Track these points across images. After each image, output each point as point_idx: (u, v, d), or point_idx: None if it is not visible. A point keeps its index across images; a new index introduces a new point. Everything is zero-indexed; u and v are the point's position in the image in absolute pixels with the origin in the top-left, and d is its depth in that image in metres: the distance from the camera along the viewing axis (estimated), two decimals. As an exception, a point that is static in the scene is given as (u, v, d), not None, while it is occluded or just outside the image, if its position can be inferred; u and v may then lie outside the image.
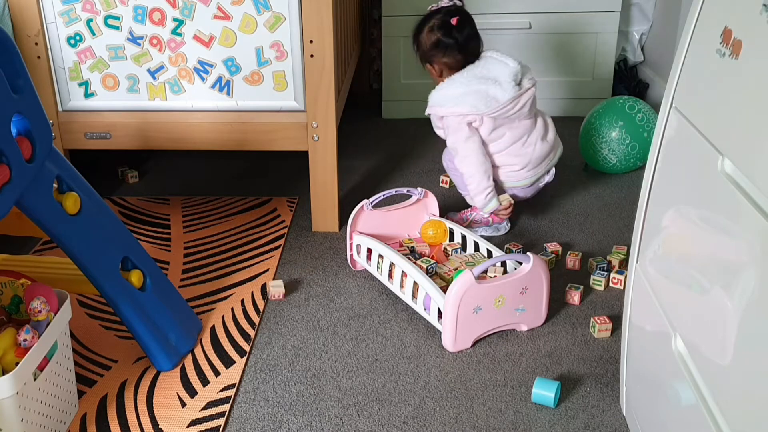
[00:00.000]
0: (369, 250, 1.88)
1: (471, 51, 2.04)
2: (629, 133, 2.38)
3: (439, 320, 1.66)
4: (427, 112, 2.08)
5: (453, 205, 2.27)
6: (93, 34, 1.98)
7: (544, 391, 1.48)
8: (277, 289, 1.84)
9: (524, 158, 2.08)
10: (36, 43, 1.98)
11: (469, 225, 2.12)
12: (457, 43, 2.02)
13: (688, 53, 1.12)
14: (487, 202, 2.04)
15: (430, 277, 1.71)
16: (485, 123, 2.00)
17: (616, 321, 1.70)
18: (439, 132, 2.12)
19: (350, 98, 2.61)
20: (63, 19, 1.96)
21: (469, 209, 2.15)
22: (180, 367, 1.61)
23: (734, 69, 0.96)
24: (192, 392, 1.54)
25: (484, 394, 1.53)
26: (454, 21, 2.01)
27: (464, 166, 2.05)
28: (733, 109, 0.96)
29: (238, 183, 2.47)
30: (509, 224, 2.15)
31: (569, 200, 2.33)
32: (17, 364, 1.23)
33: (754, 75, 0.91)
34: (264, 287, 1.88)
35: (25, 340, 1.28)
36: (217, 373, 1.59)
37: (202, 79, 2.01)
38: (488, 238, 2.03)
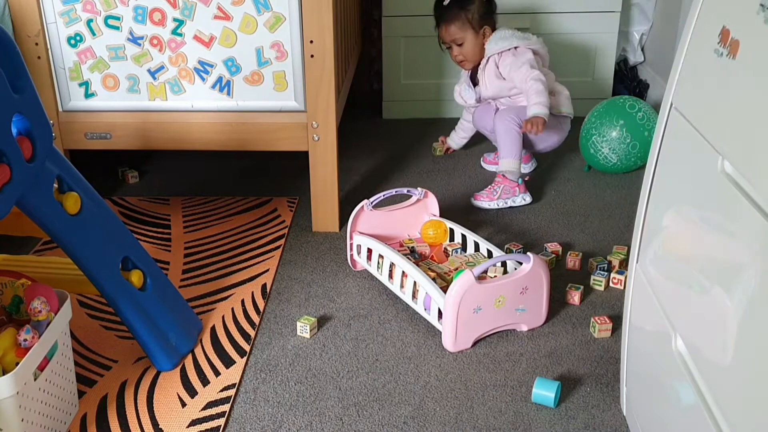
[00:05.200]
0: (369, 250, 1.88)
1: None
2: (630, 132, 2.38)
3: (439, 320, 1.66)
4: (498, 50, 2.31)
5: (453, 205, 2.27)
6: (93, 34, 1.98)
7: (545, 391, 1.48)
8: (305, 326, 1.71)
9: (566, 89, 2.42)
10: (36, 44, 1.98)
11: (500, 197, 2.27)
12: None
13: (686, 53, 1.12)
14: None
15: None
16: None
17: (617, 321, 1.70)
18: (495, 83, 2.34)
19: (350, 98, 2.61)
20: (63, 19, 1.97)
21: (494, 184, 2.28)
22: (180, 367, 1.61)
23: (732, 69, 0.96)
24: (192, 392, 1.54)
25: (484, 394, 1.53)
26: None
27: (541, 87, 2.24)
28: (730, 109, 0.96)
29: (239, 183, 2.47)
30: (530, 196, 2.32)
31: (569, 200, 2.33)
32: (17, 364, 1.23)
33: (752, 75, 0.91)
34: (264, 287, 1.88)
35: (25, 340, 1.28)
36: (217, 373, 1.59)
37: (203, 79, 2.01)
38: (489, 239, 2.03)
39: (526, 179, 2.33)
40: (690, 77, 1.12)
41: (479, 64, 2.38)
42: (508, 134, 2.29)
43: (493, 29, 2.36)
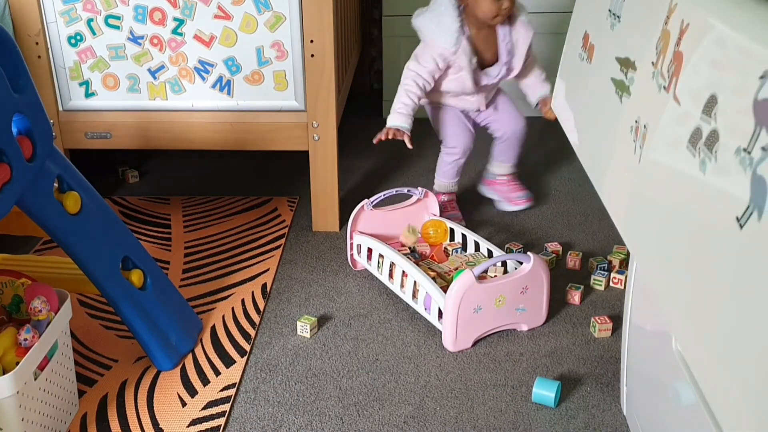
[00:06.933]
0: (369, 250, 1.88)
1: None
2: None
3: (439, 320, 1.66)
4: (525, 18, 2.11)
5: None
6: (93, 33, 1.98)
7: (545, 391, 1.48)
8: (305, 326, 1.71)
9: None
10: (36, 43, 1.98)
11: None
12: None
13: (563, 58, 1.15)
14: None
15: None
16: None
17: (617, 321, 1.70)
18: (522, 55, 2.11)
19: (350, 98, 2.61)
20: (63, 18, 1.97)
21: (515, 180, 2.29)
22: (180, 366, 1.61)
23: (588, 71, 0.98)
24: (192, 392, 1.54)
25: (484, 393, 1.53)
26: None
27: None
28: (585, 111, 0.98)
29: (239, 183, 2.47)
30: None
31: (569, 200, 2.33)
32: (18, 363, 1.23)
33: (602, 77, 0.92)
34: (264, 286, 1.88)
35: (25, 339, 1.28)
36: (217, 373, 1.59)
37: (203, 78, 2.01)
38: (489, 239, 2.03)
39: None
40: (564, 81, 1.13)
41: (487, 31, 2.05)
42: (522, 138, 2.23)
43: None
